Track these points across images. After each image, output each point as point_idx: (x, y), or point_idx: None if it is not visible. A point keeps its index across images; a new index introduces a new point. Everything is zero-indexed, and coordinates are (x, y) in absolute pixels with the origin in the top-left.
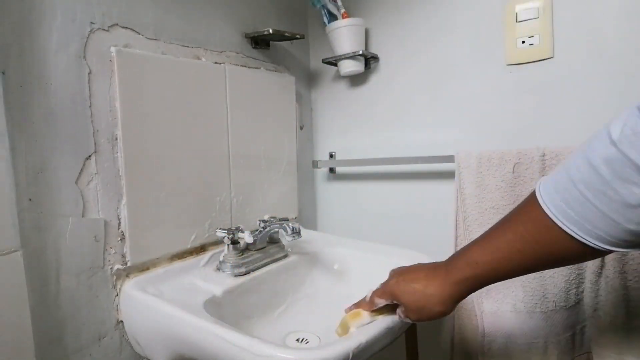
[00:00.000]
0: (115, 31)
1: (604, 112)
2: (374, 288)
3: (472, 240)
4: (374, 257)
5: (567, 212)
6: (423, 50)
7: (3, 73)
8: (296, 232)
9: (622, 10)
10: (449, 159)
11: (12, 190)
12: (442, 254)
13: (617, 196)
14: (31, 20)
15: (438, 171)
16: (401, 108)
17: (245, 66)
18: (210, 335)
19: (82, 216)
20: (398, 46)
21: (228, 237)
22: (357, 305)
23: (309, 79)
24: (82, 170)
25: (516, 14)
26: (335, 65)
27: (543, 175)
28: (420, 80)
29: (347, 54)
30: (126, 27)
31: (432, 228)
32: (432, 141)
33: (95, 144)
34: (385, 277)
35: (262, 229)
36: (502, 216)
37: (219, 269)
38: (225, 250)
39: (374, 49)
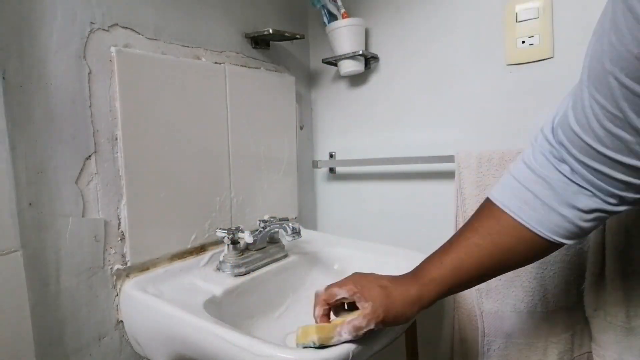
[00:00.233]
0: (115, 31)
1: None
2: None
3: (441, 247)
4: (374, 257)
5: (528, 212)
6: (423, 50)
7: (3, 73)
8: (296, 232)
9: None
10: (449, 159)
11: (12, 190)
12: None
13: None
14: (31, 20)
15: (438, 171)
16: (401, 108)
17: (245, 66)
18: (210, 335)
19: (82, 216)
20: (398, 46)
21: (228, 237)
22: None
23: (309, 79)
24: (82, 170)
25: (516, 14)
26: (335, 65)
27: None
28: (420, 80)
29: (347, 54)
30: (126, 27)
31: (432, 228)
32: (432, 141)
33: (95, 144)
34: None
35: (262, 229)
36: None
37: (219, 269)
38: (225, 250)
39: (374, 49)
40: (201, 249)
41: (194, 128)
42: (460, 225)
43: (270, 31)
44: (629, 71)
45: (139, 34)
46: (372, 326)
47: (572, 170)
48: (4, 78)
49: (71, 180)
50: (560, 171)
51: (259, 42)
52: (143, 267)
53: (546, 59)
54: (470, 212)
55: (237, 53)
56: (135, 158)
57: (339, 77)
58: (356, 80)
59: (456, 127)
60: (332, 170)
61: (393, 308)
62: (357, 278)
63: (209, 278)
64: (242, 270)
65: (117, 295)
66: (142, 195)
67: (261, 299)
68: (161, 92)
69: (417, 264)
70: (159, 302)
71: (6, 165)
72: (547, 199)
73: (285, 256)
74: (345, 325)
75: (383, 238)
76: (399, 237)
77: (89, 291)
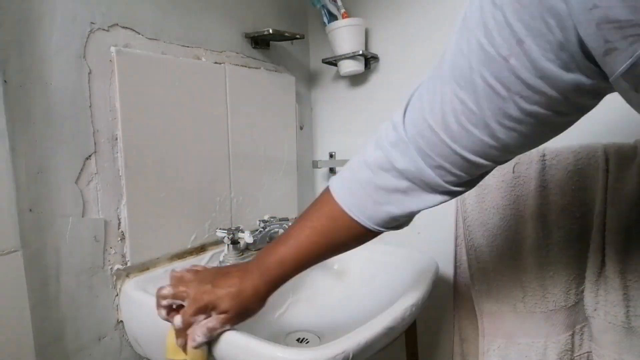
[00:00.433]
0: (115, 31)
1: (604, 111)
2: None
3: (279, 240)
4: (374, 257)
5: (356, 205)
6: (423, 50)
7: (3, 73)
8: None
9: None
10: None
11: (12, 191)
12: (442, 254)
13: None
14: (31, 20)
15: None
16: None
17: (245, 66)
18: None
19: (82, 216)
20: (398, 46)
21: (228, 237)
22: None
23: (309, 79)
24: (82, 170)
25: None
26: (335, 65)
27: (544, 175)
28: (421, 80)
29: (347, 54)
30: (126, 27)
31: (432, 228)
32: None
33: (95, 144)
34: (385, 277)
35: (262, 229)
36: (502, 216)
37: None
38: (225, 250)
39: (374, 49)
40: (201, 249)
41: (194, 128)
42: (460, 225)
43: (270, 31)
44: (497, 73)
45: (139, 34)
46: (227, 327)
47: (410, 164)
48: (4, 78)
49: (71, 181)
50: (393, 166)
51: (259, 42)
52: (143, 267)
53: None
54: (471, 212)
55: (237, 53)
56: (135, 158)
57: (339, 77)
58: (356, 80)
59: None
60: (332, 170)
61: (249, 311)
62: (210, 291)
63: None
64: None
65: (117, 295)
66: (142, 195)
67: None
68: (161, 92)
69: (417, 263)
70: None
71: (6, 165)
72: (373, 193)
73: None
74: (199, 327)
75: (383, 238)
76: (398, 237)
77: (89, 291)
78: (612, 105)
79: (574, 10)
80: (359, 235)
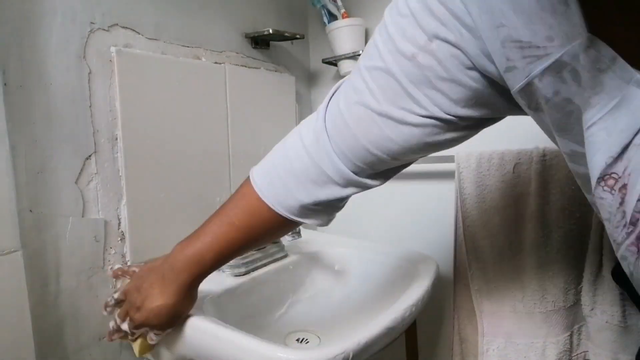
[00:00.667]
0: (115, 31)
1: None
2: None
3: (196, 235)
4: (374, 257)
5: (272, 192)
6: None
7: (3, 73)
8: (296, 232)
9: None
10: (449, 159)
11: (12, 191)
12: (442, 254)
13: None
14: (31, 20)
15: (438, 171)
16: None
17: (245, 66)
18: (210, 335)
19: (82, 216)
20: None
21: None
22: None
23: (309, 79)
24: (82, 170)
25: None
26: (335, 65)
27: (544, 176)
28: None
29: (347, 54)
30: (126, 27)
31: (432, 228)
32: None
33: (95, 144)
34: (385, 277)
35: None
36: (502, 216)
37: (218, 269)
38: None
39: None
40: None
41: (194, 128)
42: (460, 225)
43: (270, 31)
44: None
45: (139, 34)
46: (168, 331)
47: (321, 152)
48: (4, 79)
49: (71, 181)
50: (311, 155)
51: (259, 42)
52: None
53: None
54: (471, 212)
55: (237, 53)
56: (135, 158)
57: (339, 77)
58: None
59: None
60: None
61: (178, 320)
62: (140, 314)
63: (209, 278)
64: (242, 270)
65: None
66: (142, 195)
67: (261, 299)
68: (161, 92)
69: (417, 264)
70: None
71: (6, 165)
72: (286, 179)
73: (285, 256)
74: (148, 334)
75: (383, 238)
76: (399, 237)
77: (89, 291)
78: None
79: (481, 27)
80: (278, 225)
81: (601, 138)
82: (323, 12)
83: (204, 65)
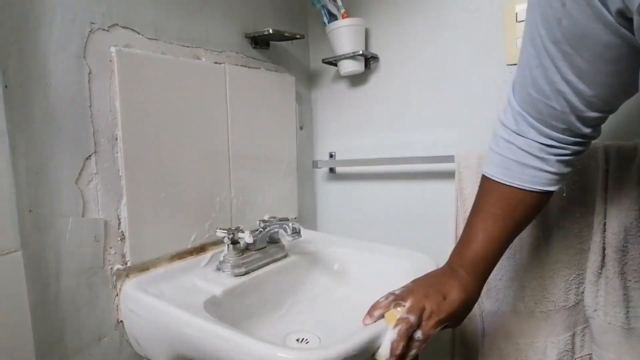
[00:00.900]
0: (115, 31)
1: None
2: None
3: (466, 239)
4: (374, 257)
5: (514, 175)
6: (423, 50)
7: (3, 73)
8: (296, 232)
9: None
10: (449, 159)
11: (12, 190)
12: (442, 254)
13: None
14: (31, 20)
15: (438, 171)
16: (401, 108)
17: (245, 66)
18: (210, 335)
19: (82, 216)
20: (398, 46)
21: (228, 237)
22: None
23: (309, 79)
24: (82, 170)
25: (516, 13)
26: (335, 65)
27: None
28: (421, 80)
29: (347, 54)
30: (126, 27)
31: (432, 228)
32: (432, 141)
33: (95, 144)
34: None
35: (262, 229)
36: None
37: (219, 269)
38: (225, 250)
39: (374, 49)
40: (201, 249)
41: (194, 128)
42: (461, 225)
43: (270, 31)
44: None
45: (139, 34)
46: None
47: (527, 125)
48: (4, 79)
49: (71, 181)
50: (518, 134)
51: (259, 42)
52: (143, 267)
53: None
54: None
55: (237, 53)
56: (135, 158)
57: (339, 77)
58: (356, 80)
59: (456, 127)
60: (332, 170)
61: (467, 314)
62: (441, 308)
63: (209, 278)
64: (242, 270)
65: (117, 295)
66: (142, 195)
67: (261, 299)
68: (161, 92)
69: (417, 263)
70: (159, 302)
71: (6, 165)
72: (518, 158)
73: (285, 256)
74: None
75: (383, 238)
76: (399, 237)
77: (89, 291)
78: None
79: None
80: (532, 201)
81: None
82: (323, 12)
83: (204, 65)
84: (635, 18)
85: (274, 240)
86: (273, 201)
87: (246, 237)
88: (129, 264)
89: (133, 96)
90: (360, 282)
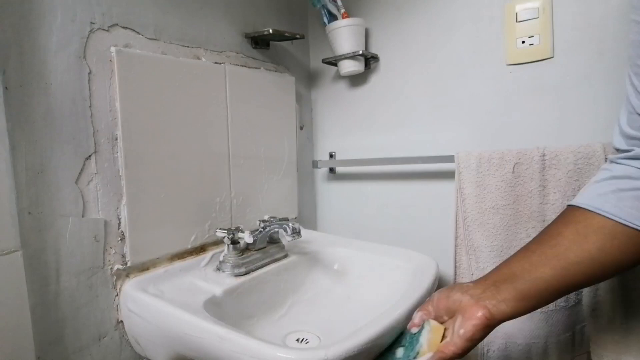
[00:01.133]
0: (115, 31)
1: (604, 112)
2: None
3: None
4: (374, 257)
5: (628, 211)
6: (423, 50)
7: (3, 73)
8: (296, 232)
9: (622, 10)
10: (449, 159)
11: (12, 190)
12: (442, 254)
13: None
14: (31, 20)
15: (438, 171)
16: (401, 108)
17: (245, 66)
18: (210, 335)
19: (82, 216)
20: (398, 46)
21: (228, 237)
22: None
23: (309, 79)
24: (82, 170)
25: (516, 14)
26: (335, 65)
27: (544, 175)
28: (420, 80)
29: (347, 54)
30: (126, 27)
31: (432, 228)
32: (432, 141)
33: (95, 144)
34: (385, 277)
35: (262, 229)
36: (502, 216)
37: (219, 269)
38: (225, 250)
39: (374, 49)
40: (201, 249)
41: (194, 128)
42: (460, 225)
43: (270, 31)
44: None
45: (139, 34)
46: None
47: None
48: (4, 79)
49: (71, 180)
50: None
51: (259, 42)
52: (143, 267)
53: (546, 59)
54: (470, 212)
55: (237, 53)
56: (135, 158)
57: (339, 77)
58: (356, 80)
59: (456, 127)
60: (332, 170)
61: None
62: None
63: (209, 278)
64: (242, 270)
65: (117, 295)
66: (142, 195)
67: (261, 299)
68: (161, 92)
69: (417, 263)
70: (159, 302)
71: (6, 165)
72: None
73: (286, 256)
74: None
75: (383, 238)
76: (399, 237)
77: (89, 291)
78: (612, 105)
79: None
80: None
81: None
82: (323, 12)
83: (204, 65)
84: None
85: (274, 240)
86: (273, 201)
87: (246, 237)
88: (129, 264)
89: (133, 96)
90: (360, 282)
